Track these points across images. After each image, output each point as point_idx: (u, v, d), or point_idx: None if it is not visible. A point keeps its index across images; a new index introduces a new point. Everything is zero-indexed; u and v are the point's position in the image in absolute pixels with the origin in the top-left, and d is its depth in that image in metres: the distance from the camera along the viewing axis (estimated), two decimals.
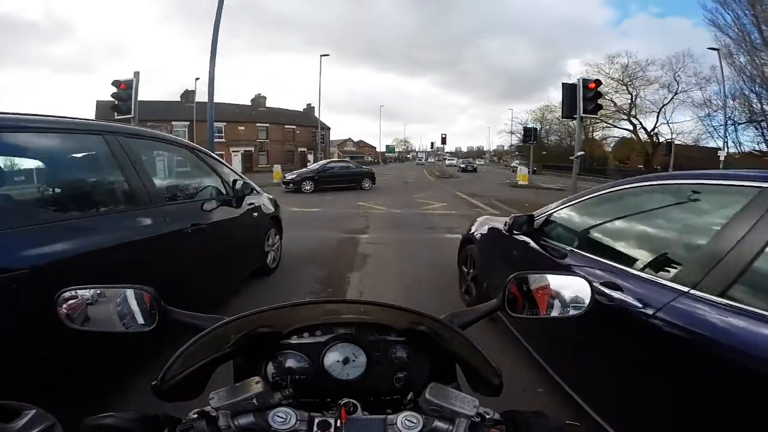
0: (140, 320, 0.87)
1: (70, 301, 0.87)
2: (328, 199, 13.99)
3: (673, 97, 35.72)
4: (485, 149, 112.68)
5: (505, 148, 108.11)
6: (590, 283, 1.00)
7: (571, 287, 1.00)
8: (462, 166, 44.35)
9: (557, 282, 1.00)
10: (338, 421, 0.67)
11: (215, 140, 37.24)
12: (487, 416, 0.70)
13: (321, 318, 0.85)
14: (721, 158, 25.41)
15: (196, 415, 0.68)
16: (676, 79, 34.95)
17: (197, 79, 39.00)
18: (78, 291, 0.88)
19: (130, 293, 0.88)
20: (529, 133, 22.90)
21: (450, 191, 17.32)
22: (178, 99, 39.46)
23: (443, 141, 30.63)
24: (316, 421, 0.67)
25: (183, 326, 0.87)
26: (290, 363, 0.82)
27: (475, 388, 0.81)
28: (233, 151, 39.54)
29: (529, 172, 23.64)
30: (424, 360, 0.85)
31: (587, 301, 0.98)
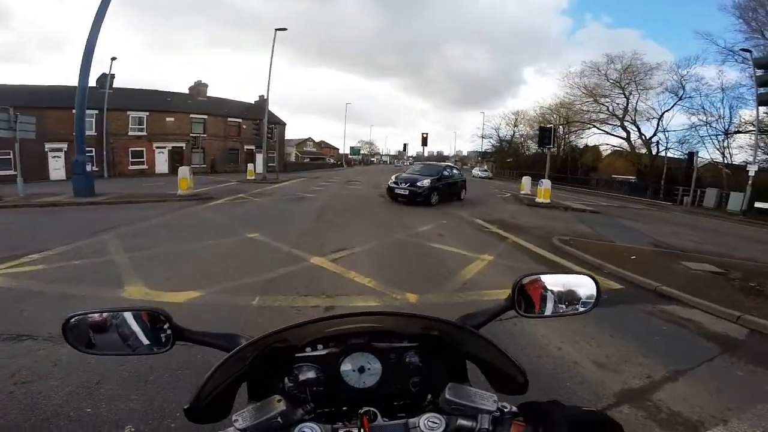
0: (153, 341, 0.85)
1: (80, 326, 0.85)
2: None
3: (675, 103, 31.96)
4: (446, 154, 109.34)
5: (465, 154, 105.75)
6: (596, 280, 1.03)
7: (578, 286, 1.02)
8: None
9: (564, 281, 1.02)
10: (361, 430, 0.68)
11: (133, 133, 29.33)
12: (505, 410, 0.70)
13: (333, 329, 0.85)
14: (751, 173, 21.26)
15: None
16: (682, 84, 31.14)
17: (114, 59, 30.70)
18: (88, 315, 0.86)
19: (141, 315, 0.86)
20: (546, 134, 17.17)
21: (458, 215, 11.20)
22: (94, 85, 30.72)
23: (424, 142, 24.77)
24: None
25: (197, 345, 0.88)
26: (307, 375, 0.82)
27: (497, 388, 0.81)
28: (157, 148, 31.41)
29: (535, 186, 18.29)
30: (438, 363, 0.86)
31: (594, 298, 1.01)
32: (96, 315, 0.86)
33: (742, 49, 23.68)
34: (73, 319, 0.85)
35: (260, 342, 0.79)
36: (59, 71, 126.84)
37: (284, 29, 24.20)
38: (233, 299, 4.11)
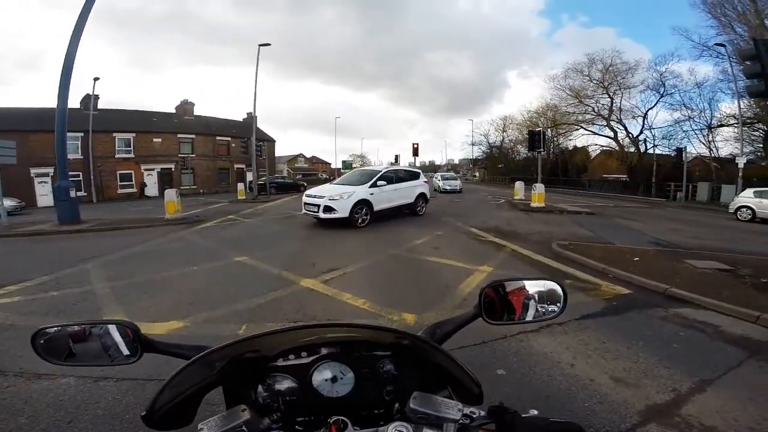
0: (125, 352, 0.85)
1: (49, 338, 0.85)
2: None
3: (658, 100, 32.32)
4: (438, 163, 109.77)
5: (456, 161, 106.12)
6: (562, 286, 1.02)
7: (544, 290, 1.00)
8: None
9: (530, 286, 1.00)
10: None
11: (120, 155, 28.84)
12: (474, 416, 0.70)
13: (305, 339, 0.84)
14: (740, 165, 21.43)
15: None
16: (662, 81, 31.54)
17: (96, 79, 30.48)
18: (56, 328, 0.86)
19: (111, 327, 0.86)
20: (535, 138, 17.11)
21: (453, 225, 10.98)
22: (78, 106, 30.20)
23: (415, 152, 24.68)
24: None
25: (166, 355, 0.88)
26: (279, 385, 0.81)
27: (459, 398, 0.80)
28: (146, 170, 31.00)
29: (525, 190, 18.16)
30: (412, 372, 0.85)
31: (560, 302, 1.00)
32: (74, 327, 0.86)
33: (717, 44, 24.14)
34: (44, 330, 0.85)
35: (225, 350, 0.77)
36: (41, 92, 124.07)
37: (268, 44, 24.20)
38: (218, 329, 3.80)
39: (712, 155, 29.10)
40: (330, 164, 79.00)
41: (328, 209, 10.17)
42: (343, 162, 66.88)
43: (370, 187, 10.95)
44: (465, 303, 4.54)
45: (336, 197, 10.26)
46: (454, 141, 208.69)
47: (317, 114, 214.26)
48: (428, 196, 13.60)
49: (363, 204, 10.51)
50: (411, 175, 13.06)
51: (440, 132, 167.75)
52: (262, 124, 37.79)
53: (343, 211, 10.10)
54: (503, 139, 53.85)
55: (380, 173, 11.68)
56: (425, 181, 13.54)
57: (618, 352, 3.36)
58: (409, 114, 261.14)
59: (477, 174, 66.40)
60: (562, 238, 8.61)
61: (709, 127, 28.93)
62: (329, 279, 5.62)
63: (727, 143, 28.86)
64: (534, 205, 15.45)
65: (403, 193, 12.20)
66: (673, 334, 3.76)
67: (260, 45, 23.75)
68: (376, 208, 10.92)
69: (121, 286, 5.36)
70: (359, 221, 10.33)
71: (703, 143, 29.78)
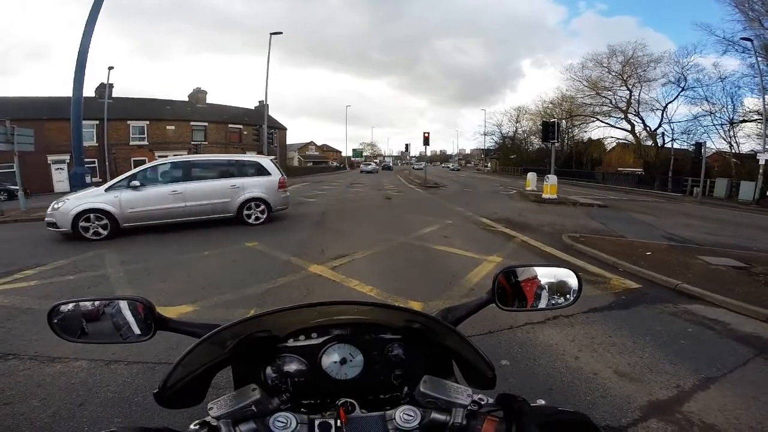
0: (136, 330, 0.85)
1: (65, 315, 0.86)
2: None
3: (679, 94, 31.40)
4: (449, 153, 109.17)
5: (468, 151, 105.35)
6: (577, 274, 1.01)
7: (559, 279, 0.99)
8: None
9: (545, 274, 0.99)
10: (338, 421, 0.68)
11: (134, 143, 29.24)
12: (482, 402, 0.70)
13: (316, 320, 0.84)
14: (762, 162, 20.86)
15: (197, 426, 0.67)
16: (684, 74, 30.60)
17: (111, 68, 30.83)
18: (72, 304, 0.86)
19: (123, 304, 0.86)
20: (549, 129, 16.84)
21: (463, 215, 10.94)
22: (93, 95, 30.56)
23: (426, 141, 24.39)
24: (317, 423, 0.68)
25: (178, 334, 0.87)
26: (288, 366, 0.81)
27: (470, 382, 0.80)
28: (160, 157, 31.29)
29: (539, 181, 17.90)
30: (421, 356, 0.85)
31: (575, 291, 0.99)
32: (88, 303, 0.86)
33: (743, 38, 23.37)
34: (59, 307, 0.85)
35: (236, 328, 0.76)
36: (47, 81, 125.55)
37: (279, 33, 24.12)
38: (227, 313, 3.89)
39: (733, 151, 28.36)
40: (341, 152, 79.04)
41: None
42: (354, 150, 66.99)
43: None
44: (472, 293, 4.56)
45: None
46: (465, 131, 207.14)
47: (326, 102, 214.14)
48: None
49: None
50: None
51: (451, 122, 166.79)
52: (273, 112, 37.99)
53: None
54: (516, 129, 53.30)
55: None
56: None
57: (624, 346, 3.35)
58: (419, 103, 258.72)
59: (489, 165, 65.92)
60: (573, 230, 8.53)
61: (731, 123, 28.17)
62: (338, 265, 5.69)
63: (749, 139, 28.04)
64: (546, 196, 15.31)
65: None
66: (681, 331, 3.72)
67: (272, 33, 23.73)
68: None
69: (134, 270, 5.50)
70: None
71: (723, 139, 29.00)
